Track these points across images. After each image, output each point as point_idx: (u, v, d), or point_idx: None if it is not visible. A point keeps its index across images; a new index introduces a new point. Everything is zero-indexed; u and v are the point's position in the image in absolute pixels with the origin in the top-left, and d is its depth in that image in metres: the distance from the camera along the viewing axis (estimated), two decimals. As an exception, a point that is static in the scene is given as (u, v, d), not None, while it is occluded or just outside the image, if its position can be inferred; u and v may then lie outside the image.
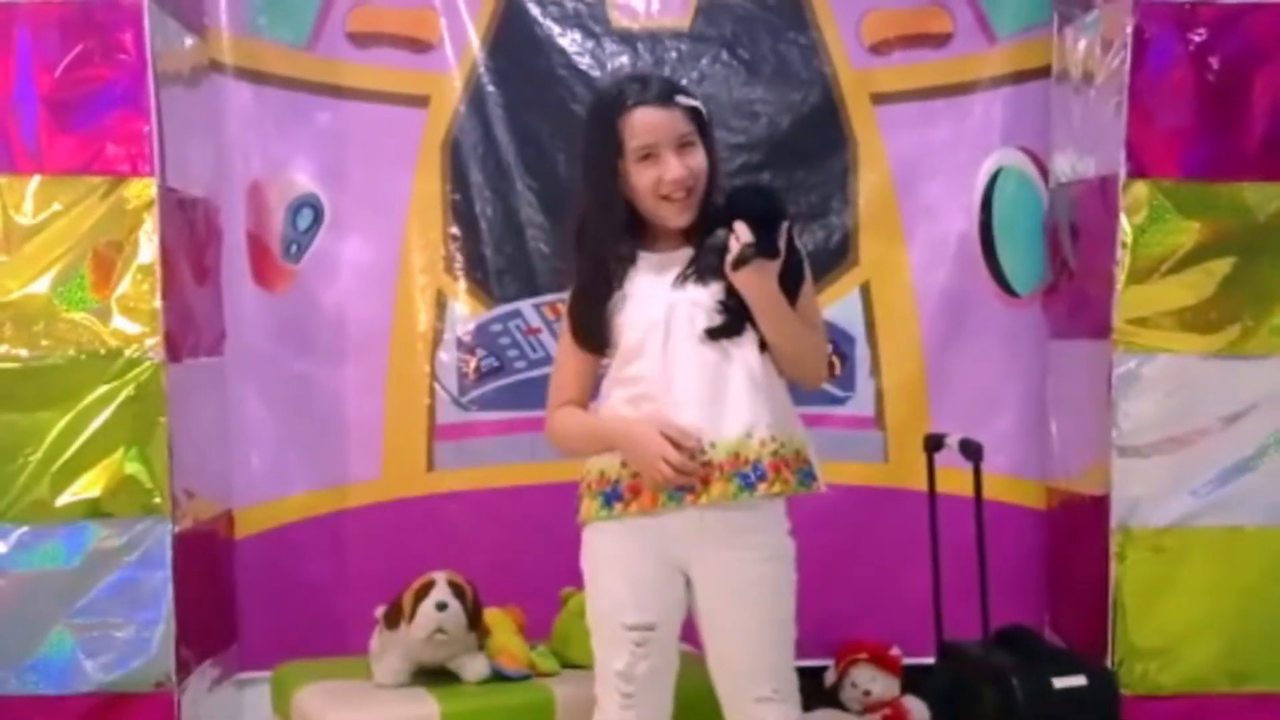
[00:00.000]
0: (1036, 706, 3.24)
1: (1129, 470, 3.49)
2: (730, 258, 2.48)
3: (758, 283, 2.50)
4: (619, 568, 2.60)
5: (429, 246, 3.94)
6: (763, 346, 2.56)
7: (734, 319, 2.54)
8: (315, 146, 3.90)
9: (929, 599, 3.58)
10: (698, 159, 2.54)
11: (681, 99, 2.55)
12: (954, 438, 3.44)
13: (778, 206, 2.55)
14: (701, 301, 2.55)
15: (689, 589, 2.63)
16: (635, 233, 2.60)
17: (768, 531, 2.62)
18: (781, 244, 2.51)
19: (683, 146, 2.52)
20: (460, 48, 3.93)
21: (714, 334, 2.54)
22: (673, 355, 2.54)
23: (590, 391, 2.70)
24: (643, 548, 2.58)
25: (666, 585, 2.61)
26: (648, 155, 2.51)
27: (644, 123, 2.51)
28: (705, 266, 2.55)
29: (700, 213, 2.58)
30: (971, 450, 3.34)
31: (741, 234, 2.47)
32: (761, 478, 2.53)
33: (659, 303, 2.55)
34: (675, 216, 2.56)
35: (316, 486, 3.91)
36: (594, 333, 2.61)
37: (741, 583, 2.59)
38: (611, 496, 2.58)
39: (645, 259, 2.60)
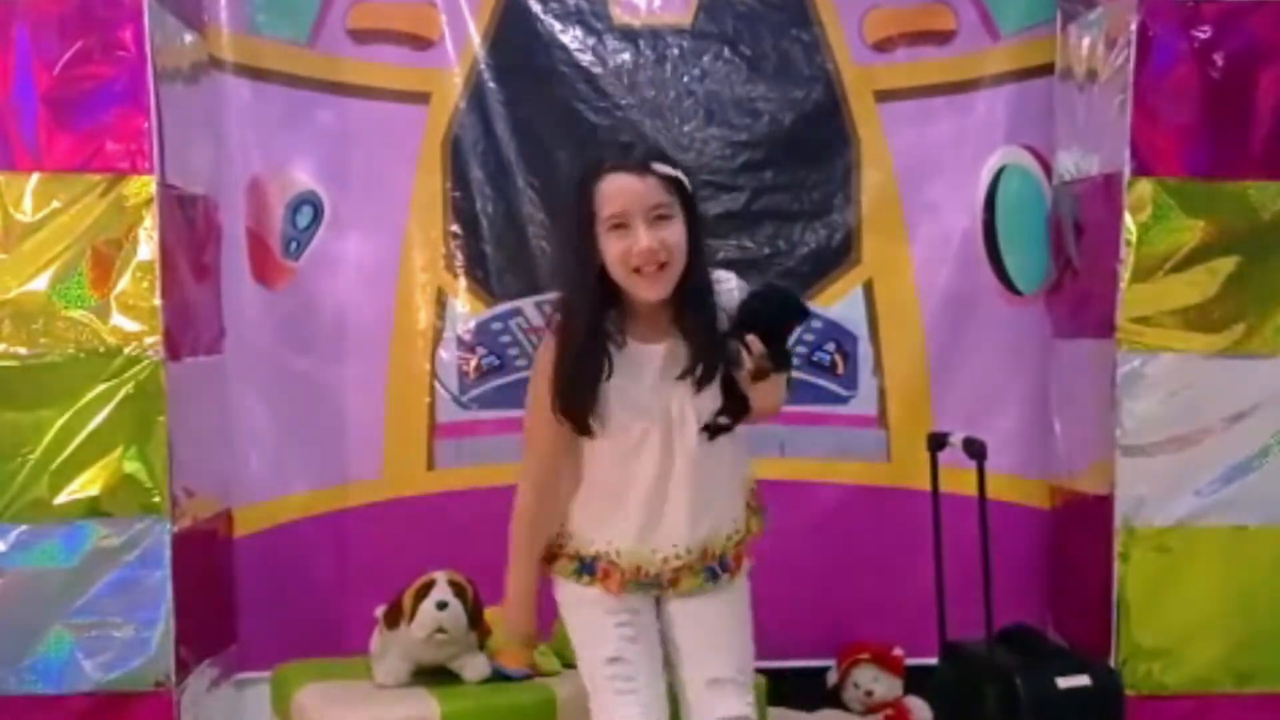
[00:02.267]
0: (1040, 706, 3.24)
1: (1133, 469, 3.48)
2: (748, 371, 2.38)
3: (769, 392, 2.44)
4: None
5: (429, 244, 3.93)
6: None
7: (731, 422, 2.50)
8: (315, 144, 3.89)
9: (932, 599, 3.57)
10: (673, 231, 2.41)
11: (659, 166, 2.42)
12: (957, 436, 3.43)
13: (792, 314, 2.46)
14: (702, 406, 2.47)
15: None
16: (617, 317, 2.48)
17: None
18: (791, 351, 2.45)
19: (657, 219, 2.39)
20: (461, 44, 3.91)
21: (714, 433, 2.49)
22: (671, 460, 2.49)
23: (562, 465, 2.56)
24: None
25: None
26: (619, 225, 2.39)
27: (615, 189, 2.40)
28: (707, 376, 2.44)
29: (681, 294, 2.44)
30: (975, 449, 3.32)
31: (754, 346, 2.36)
32: (725, 568, 2.58)
33: (651, 402, 2.47)
34: (647, 290, 2.41)
35: (316, 485, 3.90)
36: (584, 412, 2.45)
37: (716, 607, 2.63)
38: (584, 570, 2.59)
39: (631, 345, 2.48)
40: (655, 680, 2.60)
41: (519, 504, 2.60)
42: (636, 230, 2.39)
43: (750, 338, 2.36)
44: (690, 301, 2.46)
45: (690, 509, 2.52)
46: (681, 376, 2.45)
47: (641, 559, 2.55)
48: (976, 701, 3.34)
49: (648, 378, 2.47)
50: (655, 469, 2.49)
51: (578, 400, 2.45)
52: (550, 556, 2.64)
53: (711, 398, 2.47)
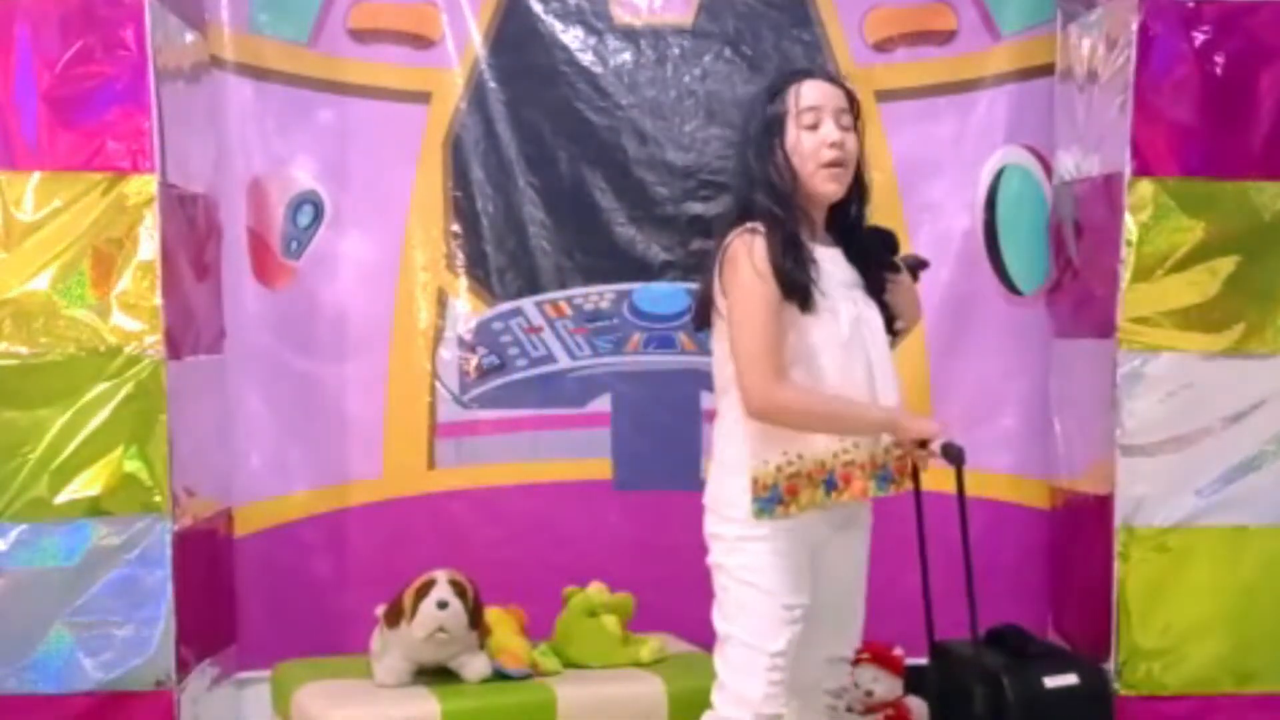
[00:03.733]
0: (1027, 705, 3.23)
1: (1133, 469, 3.48)
2: (910, 273, 2.84)
3: (917, 301, 2.88)
4: (786, 556, 2.63)
5: (430, 244, 3.93)
6: None
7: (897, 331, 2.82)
8: (316, 143, 3.90)
9: (933, 598, 3.56)
10: (852, 139, 2.69)
11: (846, 82, 2.76)
12: (937, 443, 3.40)
13: (890, 233, 2.85)
14: (880, 317, 2.73)
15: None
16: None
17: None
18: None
19: (842, 126, 2.67)
20: (462, 44, 3.92)
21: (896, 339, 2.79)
22: (872, 360, 2.67)
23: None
24: (799, 535, 2.64)
25: (809, 567, 2.68)
26: (813, 123, 2.65)
27: (812, 88, 2.68)
28: (883, 274, 2.76)
29: (847, 204, 2.73)
30: (953, 454, 3.30)
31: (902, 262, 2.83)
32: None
33: (847, 300, 2.67)
34: (831, 182, 2.66)
35: (317, 484, 3.91)
36: (807, 284, 2.59)
37: (860, 559, 2.81)
38: (829, 487, 2.64)
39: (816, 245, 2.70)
40: None
41: (789, 396, 2.60)
42: (828, 125, 2.65)
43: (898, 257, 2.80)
44: (846, 213, 2.74)
45: (897, 392, 2.70)
46: (868, 288, 2.72)
47: (873, 446, 2.66)
48: (964, 702, 3.32)
49: (829, 273, 2.66)
50: (864, 356, 2.65)
51: (801, 272, 2.59)
52: (780, 499, 2.61)
53: (880, 310, 2.73)
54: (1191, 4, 3.42)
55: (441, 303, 3.94)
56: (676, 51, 3.96)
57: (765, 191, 2.65)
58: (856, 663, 3.85)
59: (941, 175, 4.00)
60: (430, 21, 3.91)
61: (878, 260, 2.75)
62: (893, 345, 2.77)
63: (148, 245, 3.30)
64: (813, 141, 2.64)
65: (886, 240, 2.81)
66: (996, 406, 3.98)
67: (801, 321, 2.60)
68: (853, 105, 2.72)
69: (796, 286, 2.57)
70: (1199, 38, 3.43)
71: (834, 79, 2.76)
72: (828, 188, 2.66)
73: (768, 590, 2.62)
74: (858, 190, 2.74)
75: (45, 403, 3.28)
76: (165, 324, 3.31)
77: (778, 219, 2.62)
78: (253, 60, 3.85)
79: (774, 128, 2.66)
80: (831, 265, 2.67)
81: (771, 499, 2.60)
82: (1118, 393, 3.47)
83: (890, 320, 2.76)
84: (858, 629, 2.83)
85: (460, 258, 3.94)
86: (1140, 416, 3.48)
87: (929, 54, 3.99)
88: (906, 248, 3.94)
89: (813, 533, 2.66)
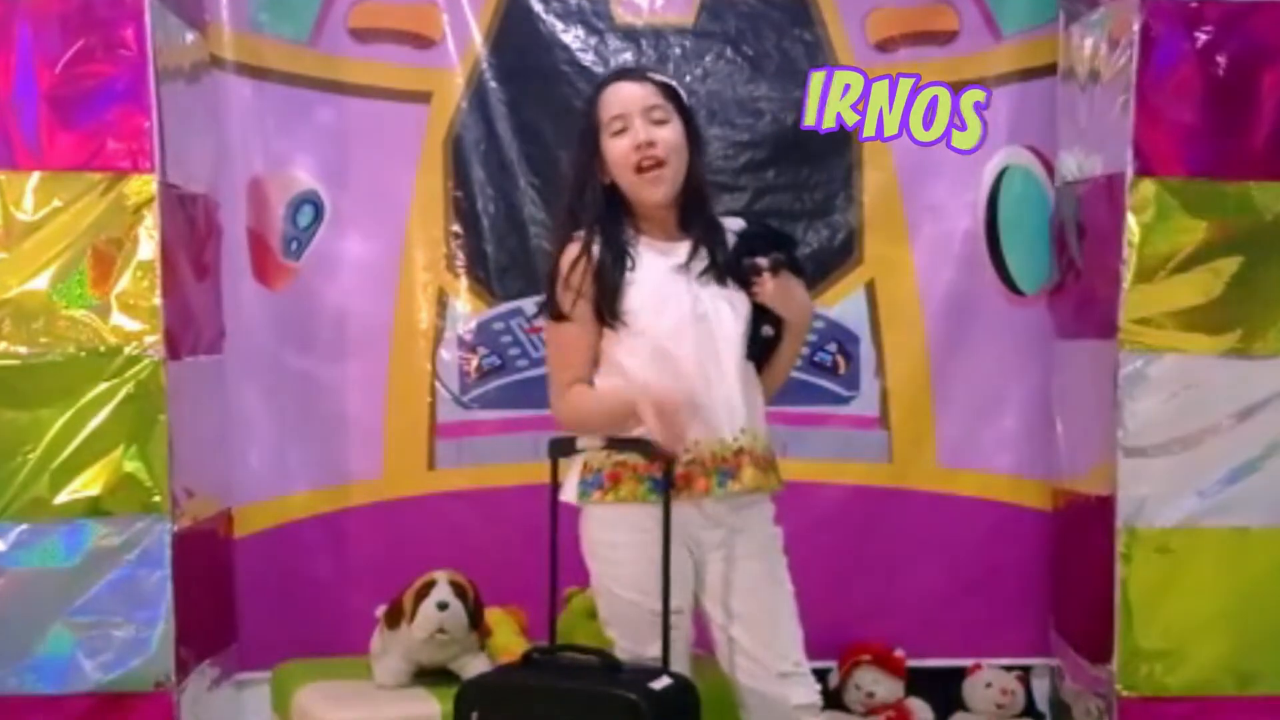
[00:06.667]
0: None
1: (1135, 470, 3.48)
2: (767, 272, 2.59)
3: (798, 296, 2.65)
4: (640, 556, 2.59)
5: (430, 244, 3.93)
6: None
7: (775, 332, 2.66)
8: (316, 143, 3.89)
9: (934, 600, 3.57)
10: (669, 132, 2.59)
11: (654, 75, 2.67)
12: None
13: (782, 242, 2.70)
14: (738, 308, 2.62)
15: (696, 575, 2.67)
16: (628, 218, 2.65)
17: (769, 513, 2.71)
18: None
19: (655, 121, 2.58)
20: (463, 44, 3.91)
21: (760, 347, 2.65)
22: (715, 351, 2.59)
23: (594, 368, 2.69)
24: (659, 536, 2.56)
25: (684, 569, 2.62)
26: (621, 129, 2.58)
27: (614, 95, 2.61)
28: (725, 268, 2.63)
29: (687, 198, 2.64)
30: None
31: (759, 260, 2.60)
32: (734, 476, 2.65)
33: (685, 296, 2.59)
34: (649, 189, 2.59)
35: (317, 485, 3.90)
36: (613, 302, 2.59)
37: (762, 568, 2.67)
38: (656, 484, 2.58)
39: (646, 244, 2.63)
40: None
41: (564, 403, 2.67)
42: (635, 128, 2.57)
43: (759, 259, 2.60)
44: (693, 204, 2.65)
45: (739, 400, 2.59)
46: (704, 273, 2.59)
47: (716, 445, 2.59)
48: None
49: (670, 273, 2.60)
50: (695, 356, 2.57)
51: (609, 289, 2.56)
52: (601, 484, 2.64)
53: (742, 301, 2.62)
54: (1194, 4, 3.42)
55: (442, 303, 3.93)
56: (678, 51, 3.95)
57: (575, 205, 2.65)
58: (857, 664, 3.88)
59: (943, 176, 3.99)
60: (431, 21, 3.91)
61: (738, 259, 2.65)
62: (766, 343, 2.68)
63: (147, 245, 3.30)
64: (622, 147, 2.58)
65: (753, 241, 2.67)
66: (998, 407, 3.98)
67: (638, 302, 2.59)
68: (672, 96, 2.62)
69: (602, 307, 2.59)
70: (1201, 38, 3.42)
71: (642, 72, 2.73)
72: (648, 195, 2.60)
73: (629, 596, 2.62)
74: (695, 179, 2.66)
75: (45, 403, 3.28)
76: (165, 324, 3.31)
77: (589, 230, 2.61)
78: (253, 60, 3.84)
79: (589, 141, 2.62)
80: (662, 262, 2.61)
81: (593, 483, 2.63)
82: (1120, 394, 3.47)
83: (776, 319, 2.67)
84: (790, 640, 2.67)
85: (461, 258, 3.93)
86: (1142, 417, 3.47)
87: (930, 54, 3.98)
88: (904, 248, 3.99)
89: (678, 533, 2.56)
